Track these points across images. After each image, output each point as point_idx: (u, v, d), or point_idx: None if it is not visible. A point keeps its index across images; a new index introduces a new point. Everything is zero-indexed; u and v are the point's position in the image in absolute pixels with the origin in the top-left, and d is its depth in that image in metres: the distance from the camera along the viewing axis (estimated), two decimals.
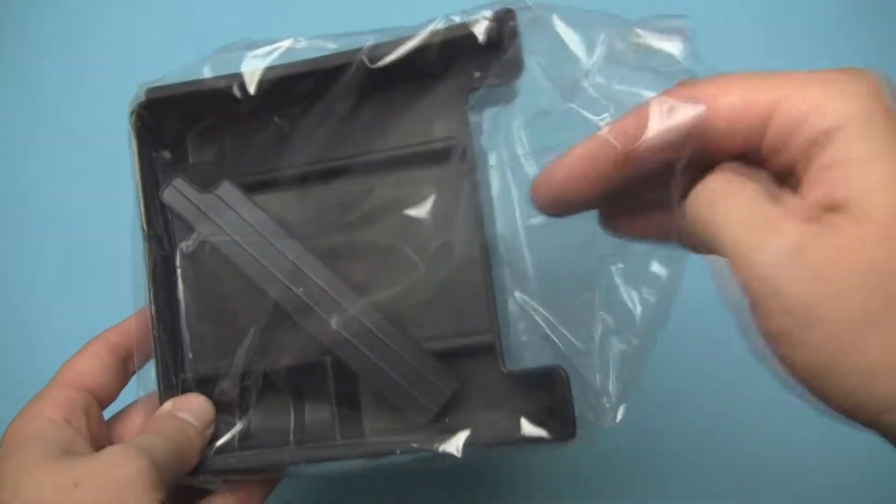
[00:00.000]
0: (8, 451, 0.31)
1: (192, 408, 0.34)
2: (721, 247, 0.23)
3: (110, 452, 0.30)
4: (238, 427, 0.35)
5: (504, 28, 0.31)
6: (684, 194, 0.25)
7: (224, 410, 0.35)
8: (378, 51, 0.32)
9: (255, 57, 0.34)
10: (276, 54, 0.34)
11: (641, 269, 0.31)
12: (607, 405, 0.31)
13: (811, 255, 0.22)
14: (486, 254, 0.32)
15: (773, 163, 0.24)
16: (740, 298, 0.23)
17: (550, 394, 0.31)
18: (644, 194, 0.28)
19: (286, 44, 0.34)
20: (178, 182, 0.35)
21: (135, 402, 0.36)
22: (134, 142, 0.35)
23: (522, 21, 0.32)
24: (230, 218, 0.35)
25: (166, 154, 0.36)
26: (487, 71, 0.32)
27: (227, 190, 0.35)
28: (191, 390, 0.35)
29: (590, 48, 0.31)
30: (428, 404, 0.34)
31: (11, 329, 0.52)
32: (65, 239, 0.53)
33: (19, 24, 0.57)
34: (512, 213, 0.34)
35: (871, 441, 0.22)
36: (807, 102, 0.23)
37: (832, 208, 0.22)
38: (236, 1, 0.56)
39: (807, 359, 0.22)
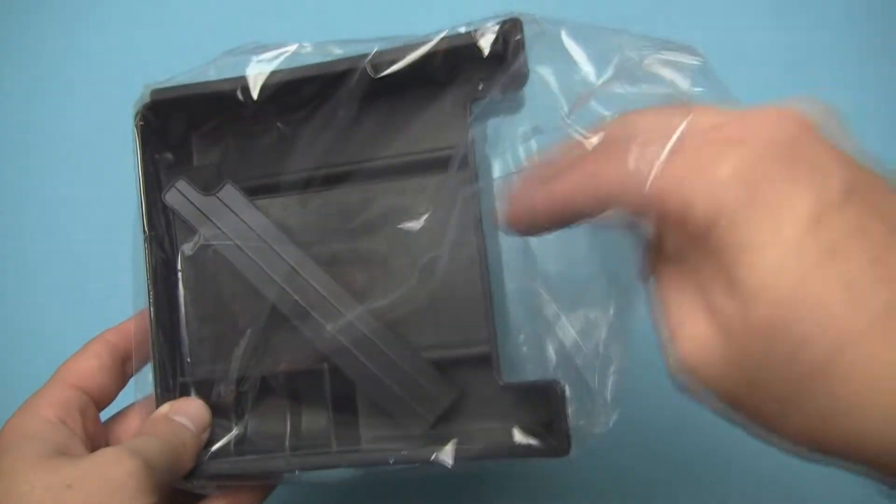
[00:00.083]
0: (3, 450, 0.31)
1: (189, 411, 0.34)
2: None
3: (104, 454, 0.30)
4: (234, 432, 0.35)
5: (510, 40, 0.31)
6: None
7: (221, 415, 0.35)
8: (382, 59, 0.32)
9: (260, 61, 0.33)
10: (281, 59, 0.33)
11: None
12: (602, 409, 0.31)
13: (711, 351, 0.22)
14: (484, 264, 0.32)
15: None
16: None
17: (546, 407, 0.31)
18: None
19: (291, 48, 0.33)
20: (181, 184, 0.35)
21: (132, 405, 0.36)
22: (138, 143, 0.35)
23: (529, 33, 0.31)
24: (231, 221, 0.35)
25: (169, 156, 0.36)
26: (492, 82, 0.32)
27: (230, 193, 0.35)
28: (188, 394, 0.35)
29: (597, 66, 0.31)
30: (425, 414, 0.33)
31: (12, 328, 0.52)
32: (67, 238, 0.53)
33: (22, 23, 0.57)
34: None
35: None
36: (678, 202, 0.22)
37: (729, 293, 0.22)
38: (244, 3, 0.56)
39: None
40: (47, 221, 0.54)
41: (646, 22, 0.51)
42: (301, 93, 0.34)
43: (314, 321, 0.34)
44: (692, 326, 0.23)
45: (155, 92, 0.35)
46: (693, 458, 0.46)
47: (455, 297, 0.33)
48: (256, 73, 0.33)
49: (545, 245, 0.33)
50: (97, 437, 0.34)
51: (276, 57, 0.34)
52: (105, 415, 0.35)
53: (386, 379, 0.33)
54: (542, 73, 0.32)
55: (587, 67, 0.31)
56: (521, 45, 0.31)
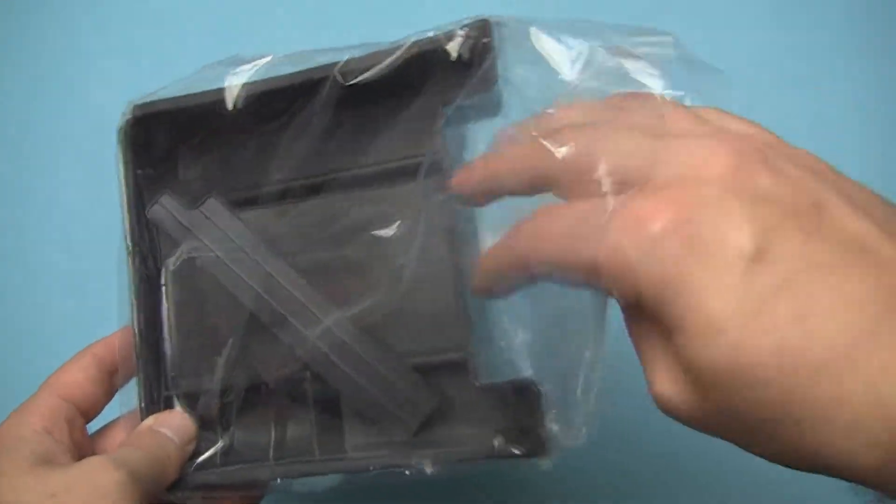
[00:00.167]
0: None
1: (173, 424, 0.34)
2: None
3: (89, 463, 0.31)
4: (220, 443, 0.35)
5: (478, 44, 0.31)
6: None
7: (206, 427, 0.35)
8: (352, 67, 0.32)
9: (236, 73, 0.34)
10: (255, 70, 0.34)
11: None
12: (581, 421, 0.30)
13: (682, 390, 0.22)
14: (458, 268, 0.32)
15: None
16: None
17: (524, 409, 0.31)
18: None
19: (265, 60, 0.34)
20: (165, 199, 0.36)
21: (118, 418, 0.36)
22: (121, 158, 0.36)
23: (500, 35, 0.31)
24: (216, 235, 0.35)
25: (154, 171, 0.37)
26: (462, 87, 0.31)
27: (213, 207, 0.35)
28: (173, 407, 0.35)
29: (570, 64, 0.30)
30: (408, 420, 0.33)
31: (12, 329, 0.53)
32: (68, 238, 0.54)
33: (22, 23, 0.58)
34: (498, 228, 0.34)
35: None
36: (622, 281, 0.22)
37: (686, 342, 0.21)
38: (230, 16, 0.56)
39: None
40: (47, 221, 0.54)
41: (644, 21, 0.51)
42: (276, 103, 0.34)
43: (294, 329, 0.34)
44: (662, 369, 0.23)
45: (136, 107, 0.35)
46: (690, 456, 0.45)
47: (431, 302, 0.33)
48: (231, 85, 0.34)
49: None
50: (84, 448, 0.34)
51: (252, 68, 0.34)
52: (92, 428, 0.36)
53: (368, 386, 0.33)
54: (520, 74, 0.31)
55: (560, 66, 0.30)
56: (488, 48, 0.31)
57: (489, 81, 0.31)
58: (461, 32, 0.31)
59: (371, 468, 0.32)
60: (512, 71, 0.31)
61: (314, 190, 0.35)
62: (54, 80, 0.57)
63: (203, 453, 0.35)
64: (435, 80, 0.32)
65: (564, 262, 0.24)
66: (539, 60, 0.31)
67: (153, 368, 0.35)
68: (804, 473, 0.21)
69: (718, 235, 0.21)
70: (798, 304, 0.20)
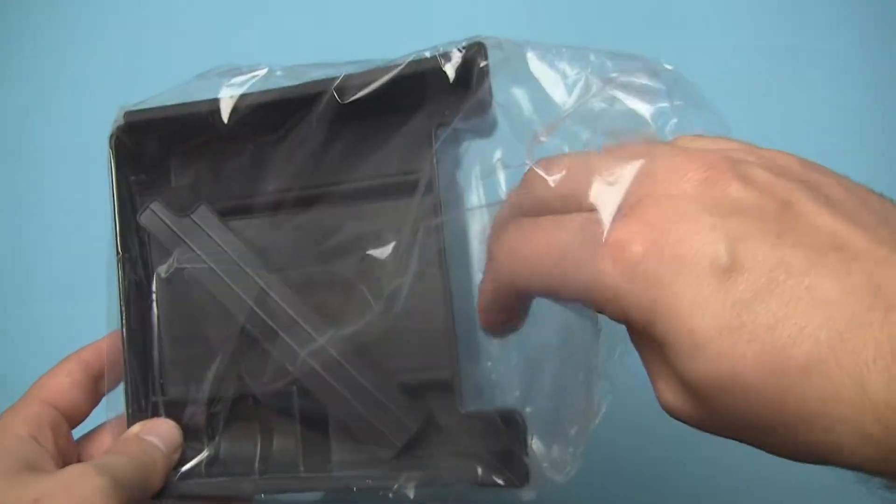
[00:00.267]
0: None
1: (160, 431, 0.34)
2: None
3: (72, 470, 0.31)
4: (205, 453, 0.35)
5: (473, 66, 0.31)
6: None
7: (192, 436, 0.35)
8: (350, 83, 0.32)
9: (231, 85, 0.34)
10: (251, 82, 0.34)
11: None
12: (569, 455, 0.30)
13: (684, 400, 0.23)
14: (448, 291, 0.32)
15: None
16: None
17: (509, 437, 0.31)
18: None
19: (262, 72, 0.34)
20: (156, 205, 0.36)
21: (105, 423, 0.36)
22: (112, 164, 0.35)
23: (497, 57, 0.31)
24: (206, 243, 0.35)
25: (146, 177, 0.37)
26: (457, 108, 0.31)
27: (204, 215, 0.35)
28: (160, 414, 0.35)
29: (564, 89, 0.30)
30: (393, 439, 0.33)
31: (11, 329, 0.53)
32: (68, 239, 0.54)
33: (21, 23, 0.58)
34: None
35: None
36: (611, 309, 0.23)
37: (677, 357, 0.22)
38: (228, 25, 0.56)
39: None
40: (41, 224, 0.54)
41: (644, 27, 0.51)
42: (271, 116, 0.34)
43: (284, 344, 0.34)
44: (663, 380, 0.23)
45: (128, 114, 0.35)
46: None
47: (421, 324, 0.33)
48: (226, 97, 0.33)
49: None
50: (69, 454, 0.34)
51: (248, 80, 0.34)
52: (79, 433, 0.36)
53: (355, 403, 0.33)
54: (515, 96, 0.31)
55: (554, 91, 0.30)
56: (485, 72, 0.31)
57: (484, 105, 0.31)
58: (458, 53, 0.31)
59: (354, 489, 0.32)
60: (506, 93, 0.31)
61: (307, 202, 0.35)
62: (48, 84, 0.56)
63: (187, 462, 0.35)
64: (430, 98, 0.32)
65: (554, 290, 0.25)
66: (534, 84, 0.31)
67: (141, 375, 0.35)
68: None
69: (692, 251, 0.21)
70: (776, 309, 0.20)
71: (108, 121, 0.36)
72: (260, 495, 0.34)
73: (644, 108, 0.28)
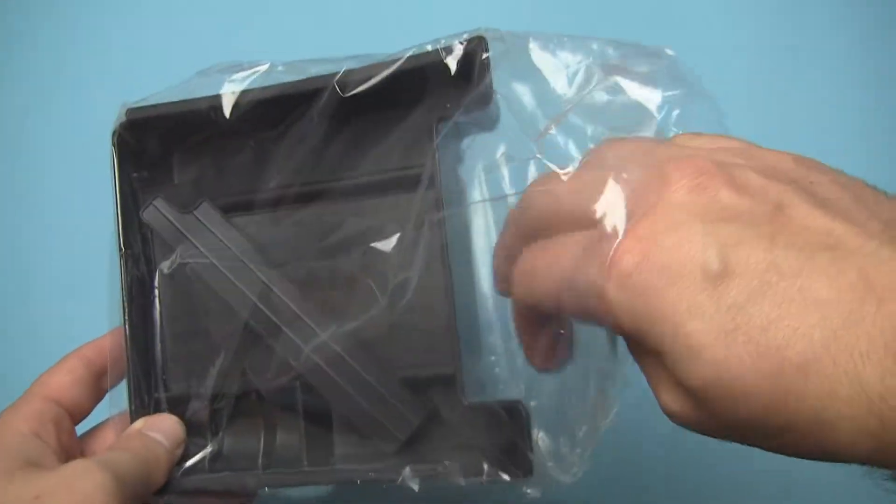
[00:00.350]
0: None
1: (163, 427, 0.34)
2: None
3: (74, 466, 0.31)
4: (209, 449, 0.35)
5: (475, 59, 0.31)
6: None
7: (196, 432, 0.35)
8: (351, 78, 0.32)
9: (232, 80, 0.34)
10: (253, 78, 0.34)
11: None
12: (576, 456, 0.30)
13: (686, 405, 0.23)
14: (450, 285, 0.32)
15: None
16: None
17: (513, 429, 0.31)
18: None
19: (264, 67, 0.34)
20: (159, 202, 0.36)
21: (108, 420, 0.36)
22: (115, 161, 0.35)
23: (498, 50, 0.31)
24: (208, 239, 0.35)
25: (148, 173, 0.37)
26: (459, 102, 0.31)
27: (206, 211, 0.35)
28: (163, 410, 0.35)
29: (567, 80, 0.30)
30: (396, 433, 0.33)
31: (11, 330, 0.53)
32: (68, 239, 0.53)
33: (21, 23, 0.57)
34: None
35: None
36: (607, 321, 0.24)
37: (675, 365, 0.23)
38: (229, 21, 0.56)
39: None
40: (43, 222, 0.54)
41: (644, 27, 0.51)
42: (273, 111, 0.34)
43: (288, 339, 0.34)
44: (663, 386, 0.23)
45: (130, 111, 0.35)
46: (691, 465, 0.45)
47: (424, 318, 0.33)
48: (227, 93, 0.33)
49: None
50: (72, 450, 0.34)
51: (249, 76, 0.34)
52: (81, 430, 0.36)
53: (358, 397, 0.33)
54: (516, 89, 0.31)
55: (557, 82, 0.30)
56: (486, 65, 0.31)
57: (486, 98, 0.31)
58: (459, 46, 0.31)
59: (358, 481, 0.32)
60: (509, 85, 0.31)
61: (309, 198, 0.35)
62: (50, 82, 0.56)
63: (191, 457, 0.35)
64: (431, 92, 0.32)
65: (567, 311, 0.26)
66: (536, 75, 0.31)
67: (143, 371, 0.35)
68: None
69: (684, 259, 0.21)
70: (769, 311, 0.20)
71: (108, 120, 0.36)
72: (263, 490, 0.34)
73: (647, 99, 0.28)
